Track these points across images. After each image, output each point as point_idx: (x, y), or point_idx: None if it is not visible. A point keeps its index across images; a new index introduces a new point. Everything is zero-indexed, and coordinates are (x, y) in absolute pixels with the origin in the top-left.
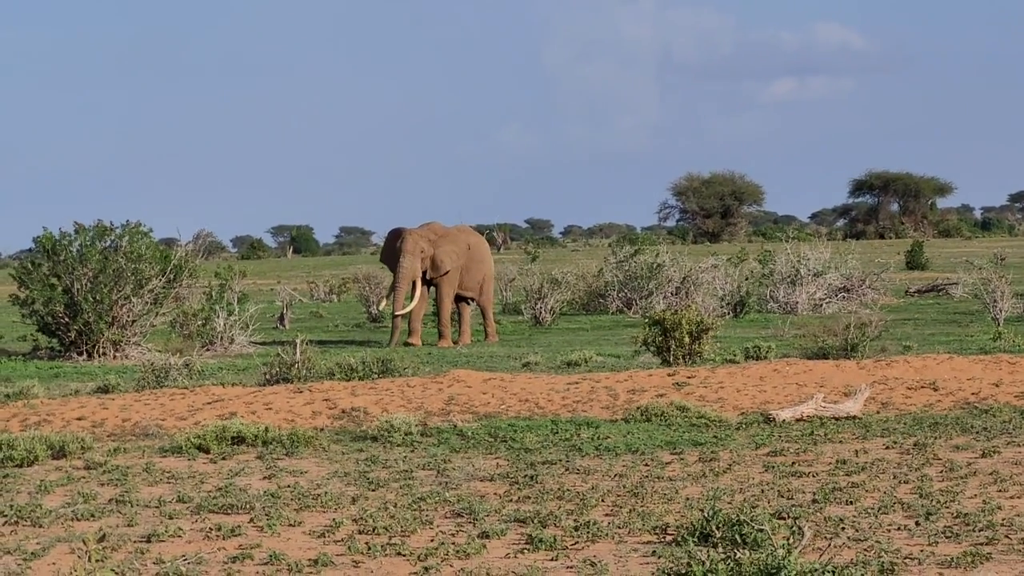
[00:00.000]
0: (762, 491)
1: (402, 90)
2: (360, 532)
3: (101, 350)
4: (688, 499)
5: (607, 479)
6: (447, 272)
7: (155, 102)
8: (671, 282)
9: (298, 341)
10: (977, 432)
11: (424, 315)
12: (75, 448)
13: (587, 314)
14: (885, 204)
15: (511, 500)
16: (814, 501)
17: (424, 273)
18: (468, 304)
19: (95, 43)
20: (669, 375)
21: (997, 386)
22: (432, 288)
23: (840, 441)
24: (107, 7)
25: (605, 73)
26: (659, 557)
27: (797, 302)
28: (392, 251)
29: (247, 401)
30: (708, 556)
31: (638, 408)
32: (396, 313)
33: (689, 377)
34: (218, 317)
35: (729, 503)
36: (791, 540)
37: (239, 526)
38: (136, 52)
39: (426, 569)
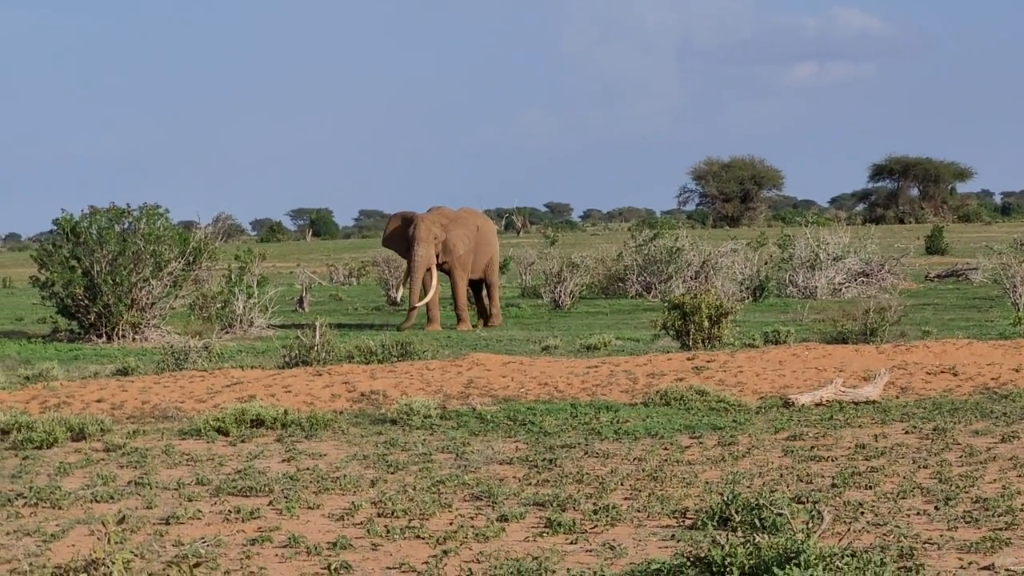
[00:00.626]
0: (781, 475)
1: (422, 74)
2: (379, 515)
3: (120, 332)
4: (707, 483)
5: (626, 463)
6: (460, 256)
7: (174, 86)
8: (690, 266)
9: (317, 324)
10: (997, 417)
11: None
12: (94, 430)
13: (606, 298)
14: (905, 189)
15: (530, 483)
16: (833, 485)
17: (436, 257)
18: (482, 287)
19: (112, 27)
20: (688, 359)
21: (1017, 371)
22: (445, 273)
23: (859, 426)
24: None
25: (625, 57)
26: (678, 541)
27: (816, 287)
28: (401, 237)
29: (266, 384)
30: (727, 540)
31: (657, 392)
32: (415, 305)
33: (708, 361)
34: (237, 300)
35: (748, 487)
36: (810, 524)
37: (258, 509)
38: (154, 36)
39: (445, 552)
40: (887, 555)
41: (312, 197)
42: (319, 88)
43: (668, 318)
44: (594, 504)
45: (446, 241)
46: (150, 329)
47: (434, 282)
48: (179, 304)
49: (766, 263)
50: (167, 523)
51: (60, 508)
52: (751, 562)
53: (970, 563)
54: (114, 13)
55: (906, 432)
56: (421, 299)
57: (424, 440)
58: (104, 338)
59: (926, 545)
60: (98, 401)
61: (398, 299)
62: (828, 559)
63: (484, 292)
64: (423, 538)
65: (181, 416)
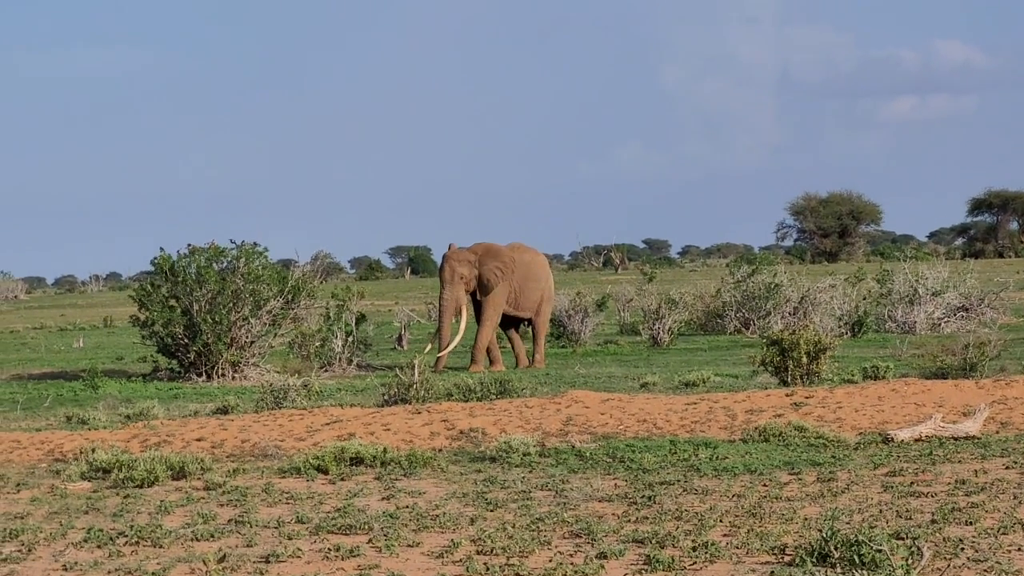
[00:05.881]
0: (880, 511)
1: (519, 110)
2: (478, 553)
3: (220, 371)
4: (806, 519)
5: (725, 499)
6: (496, 291)
7: (272, 124)
8: (789, 302)
9: (416, 362)
10: None
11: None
12: (195, 469)
13: (705, 334)
14: (1004, 223)
15: (629, 520)
16: (933, 521)
17: (474, 295)
18: (516, 329)
19: (211, 65)
20: (787, 395)
21: None
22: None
23: (959, 461)
24: (222, 30)
25: (723, 92)
26: None
27: (915, 321)
28: (440, 274)
29: (365, 422)
30: None
31: (756, 428)
32: (440, 353)
33: (807, 397)
34: (336, 338)
35: (847, 523)
36: (910, 561)
37: (358, 547)
38: (252, 74)
39: None
40: None
41: (411, 235)
42: (417, 127)
43: (767, 354)
44: (693, 541)
45: (480, 276)
46: (249, 368)
47: (462, 323)
48: (278, 343)
49: (864, 298)
50: (267, 561)
51: (161, 546)
52: None
53: None
54: (213, 51)
55: (1007, 467)
56: (451, 342)
57: (523, 478)
58: (204, 377)
59: None
60: (198, 440)
61: (425, 353)
62: None
63: (517, 333)
64: (522, 575)
65: (281, 454)
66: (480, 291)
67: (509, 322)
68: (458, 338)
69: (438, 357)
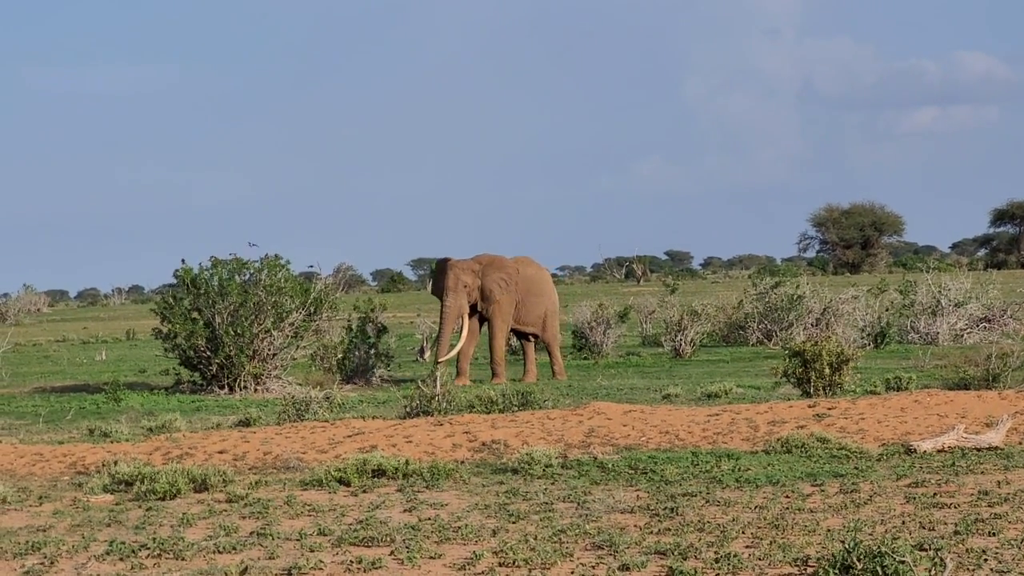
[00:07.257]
0: (903, 522)
1: (540, 123)
2: (500, 564)
3: (242, 383)
4: (829, 531)
5: (747, 511)
6: (500, 302)
7: (293, 137)
8: (811, 313)
9: (438, 374)
10: None
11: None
12: (217, 481)
13: (727, 346)
14: None
15: (651, 532)
16: (956, 532)
17: (475, 306)
18: (530, 340)
19: (233, 80)
20: (809, 406)
21: None
22: (484, 323)
23: (982, 472)
24: (243, 45)
25: (745, 104)
26: None
27: (938, 332)
28: (438, 285)
29: (388, 434)
30: None
31: (778, 440)
32: (439, 360)
33: (830, 408)
34: (358, 350)
35: (870, 535)
36: (933, 572)
37: (380, 559)
38: (274, 88)
39: None
40: None
41: (433, 247)
42: (438, 140)
43: (789, 365)
44: (715, 552)
45: (482, 287)
46: (271, 380)
47: (464, 332)
48: (300, 355)
49: (887, 309)
50: (289, 573)
51: (183, 559)
52: None
53: None
54: (234, 66)
55: None
56: (449, 355)
57: (545, 489)
58: (226, 389)
59: None
60: (220, 452)
61: (425, 359)
62: None
63: (533, 345)
64: None
65: (303, 466)
66: (482, 301)
67: (514, 336)
68: (458, 347)
69: (437, 362)
